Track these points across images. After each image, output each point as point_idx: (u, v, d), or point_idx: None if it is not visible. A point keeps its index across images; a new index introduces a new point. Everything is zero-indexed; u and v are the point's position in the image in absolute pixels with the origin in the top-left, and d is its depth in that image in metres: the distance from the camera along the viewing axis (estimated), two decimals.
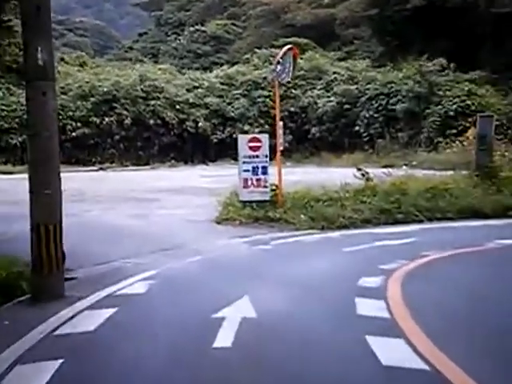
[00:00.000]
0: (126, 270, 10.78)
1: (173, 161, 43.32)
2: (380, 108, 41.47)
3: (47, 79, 8.53)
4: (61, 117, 41.99)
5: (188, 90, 45.76)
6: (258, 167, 17.06)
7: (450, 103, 38.17)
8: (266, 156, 17.18)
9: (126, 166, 41.78)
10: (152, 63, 53.93)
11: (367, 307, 7.58)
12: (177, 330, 6.82)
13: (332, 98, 43.42)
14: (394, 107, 40.88)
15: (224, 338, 6.28)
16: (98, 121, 42.58)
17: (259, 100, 45.11)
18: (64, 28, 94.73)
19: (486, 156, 22.45)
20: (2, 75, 41.60)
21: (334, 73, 45.63)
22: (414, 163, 34.50)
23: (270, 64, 47.34)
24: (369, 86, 42.59)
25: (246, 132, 43.88)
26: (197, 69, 55.07)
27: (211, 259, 12.06)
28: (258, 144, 17.10)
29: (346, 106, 43.02)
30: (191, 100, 44.89)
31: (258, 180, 17.08)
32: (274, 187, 17.51)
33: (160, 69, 48.76)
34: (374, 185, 20.47)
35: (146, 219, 17.64)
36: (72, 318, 7.33)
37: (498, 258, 12.61)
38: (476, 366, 5.76)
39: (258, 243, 14.22)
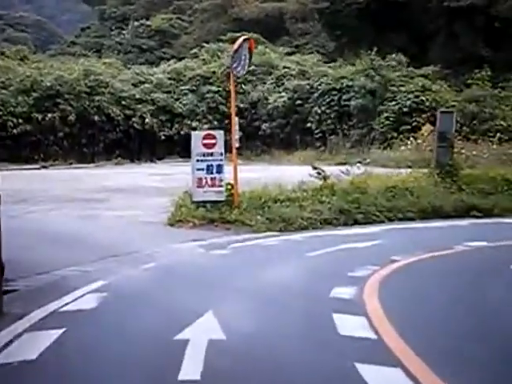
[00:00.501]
0: (74, 279, 9.84)
1: (119, 158, 42.11)
2: (332, 104, 40.95)
3: None
4: (1, 113, 40.52)
5: (134, 85, 44.57)
6: (212, 165, 16.23)
7: (405, 99, 37.84)
8: (222, 154, 16.38)
9: (70, 163, 40.42)
10: (96, 58, 52.47)
11: (348, 325, 6.83)
12: (134, 359, 5.94)
13: (283, 94, 42.76)
14: (347, 103, 40.43)
15: (191, 368, 5.43)
16: (40, 117, 41.13)
17: (208, 96, 44.18)
18: (4, 23, 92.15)
19: (446, 153, 22.04)
20: None
21: (285, 67, 44.96)
22: (368, 161, 33.89)
23: (219, 58, 46.62)
24: (321, 81, 42.01)
25: (194, 129, 42.98)
26: (142, 64, 53.81)
27: (166, 266, 11.19)
28: (213, 141, 16.27)
29: (298, 102, 42.40)
30: (137, 96, 43.73)
31: (212, 179, 16.25)
32: (229, 187, 16.70)
33: (105, 63, 47.44)
34: (331, 184, 19.85)
35: (93, 221, 16.65)
36: (11, 342, 6.38)
37: (471, 263, 12.04)
38: None
39: (214, 247, 13.41)
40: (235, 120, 17.03)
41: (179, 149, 43.35)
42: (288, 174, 26.84)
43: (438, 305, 8.31)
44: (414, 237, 15.83)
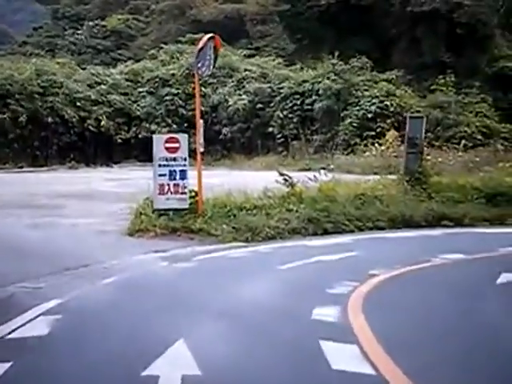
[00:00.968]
0: (23, 298, 8.88)
1: (73, 162, 40.86)
2: (295, 108, 40.30)
3: None
4: None
5: (90, 86, 43.37)
6: (175, 171, 15.36)
7: (368, 104, 37.35)
8: (185, 159, 15.52)
9: (21, 167, 39.08)
10: (49, 57, 51.05)
11: (340, 357, 6.06)
12: None
13: (244, 97, 41.98)
14: (309, 107, 39.80)
15: None
16: None
17: (167, 98, 43.17)
18: None
19: (415, 160, 21.48)
20: None
21: (246, 70, 44.18)
22: (332, 167, 33.46)
23: (178, 60, 45.67)
24: (283, 84, 41.35)
25: (153, 132, 41.95)
26: (97, 65, 52.57)
27: (128, 282, 10.29)
28: (176, 145, 15.41)
29: (259, 106, 41.67)
30: (93, 97, 42.55)
31: (175, 185, 15.38)
32: (193, 194, 15.83)
33: (58, 63, 46.09)
34: (299, 191, 19.12)
35: (46, 230, 15.61)
36: None
37: (454, 277, 11.37)
38: None
39: (178, 259, 12.54)
40: (200, 123, 16.17)
41: (137, 153, 42.39)
42: (251, 179, 26.08)
43: (431, 327, 7.60)
44: (387, 248, 15.12)
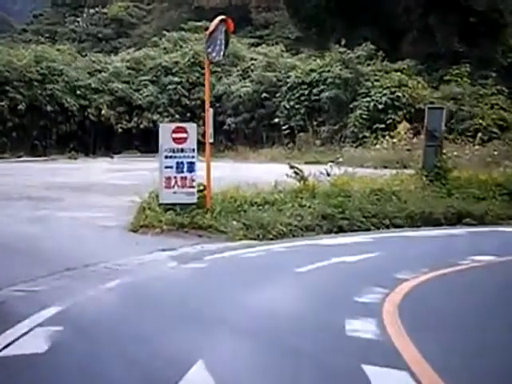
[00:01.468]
0: (18, 305, 8.03)
1: (73, 152, 39.90)
2: (302, 98, 39.28)
3: None
4: None
5: (90, 74, 42.37)
6: (183, 163, 14.48)
7: (379, 95, 36.33)
8: (194, 150, 14.64)
9: (20, 157, 38.14)
10: (49, 44, 50.02)
11: None
12: None
13: (249, 86, 40.97)
14: (317, 97, 38.79)
15: None
16: None
17: (170, 87, 42.14)
18: None
19: (434, 154, 20.64)
20: None
21: (252, 59, 43.19)
22: (341, 160, 32.58)
23: (181, 47, 44.68)
24: (290, 74, 40.32)
25: (154, 122, 41.12)
26: (98, 53, 51.58)
27: (134, 286, 9.42)
28: (184, 135, 14.52)
29: (265, 95, 40.66)
30: (94, 85, 41.56)
31: (183, 178, 14.50)
32: (201, 187, 14.94)
33: (58, 50, 45.08)
34: (312, 185, 18.26)
35: (43, 225, 14.73)
36: None
37: (494, 282, 10.47)
38: None
39: (187, 259, 11.69)
40: (210, 112, 15.27)
41: (138, 143, 41.50)
42: (256, 172, 25.35)
43: (489, 346, 6.67)
44: (410, 248, 14.25)
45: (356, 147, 34.80)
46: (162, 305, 8.11)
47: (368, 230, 16.85)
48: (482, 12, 42.15)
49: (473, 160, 26.68)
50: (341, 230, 16.52)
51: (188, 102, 41.90)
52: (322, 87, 38.84)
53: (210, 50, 15.37)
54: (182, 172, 14.44)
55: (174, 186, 14.44)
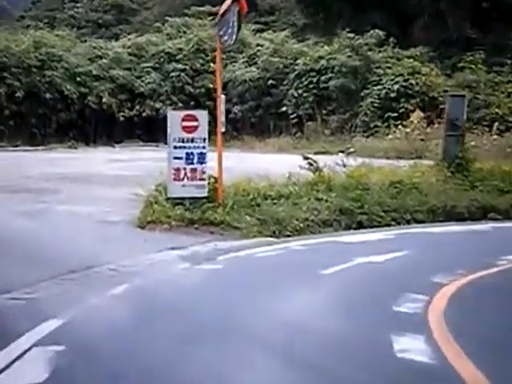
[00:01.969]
0: (11, 316, 7.12)
1: (73, 141, 38.94)
2: (310, 86, 38.27)
3: None
4: None
5: (90, 60, 41.38)
6: (193, 154, 13.55)
7: (391, 82, 35.32)
8: (205, 139, 13.71)
9: (17, 146, 37.21)
10: (48, 29, 48.96)
11: None
12: None
13: (255, 73, 39.95)
14: (325, 85, 37.80)
15: None
16: None
17: (173, 74, 41.12)
18: None
19: (456, 144, 19.71)
20: None
21: (258, 45, 42.17)
22: (352, 150, 31.73)
23: (185, 33, 43.68)
24: (298, 61, 39.30)
25: (157, 110, 40.24)
26: (98, 39, 50.56)
27: (143, 292, 8.49)
28: (194, 123, 13.59)
29: (271, 82, 39.65)
30: (94, 72, 40.58)
31: (192, 170, 13.56)
32: (212, 180, 14.01)
33: (57, 35, 44.05)
34: (328, 177, 17.34)
35: (41, 220, 13.80)
36: None
37: None
38: None
39: (200, 259, 10.78)
40: (222, 98, 14.31)
41: (140, 132, 40.58)
42: (264, 163, 24.51)
43: None
44: (438, 247, 13.27)
45: (367, 137, 33.87)
46: (176, 316, 7.18)
47: (388, 225, 15.94)
48: None
49: (492, 150, 25.77)
50: (360, 225, 15.61)
51: (192, 90, 40.93)
52: (331, 75, 37.86)
53: (221, 33, 14.39)
54: (192, 163, 13.51)
55: (183, 179, 13.50)
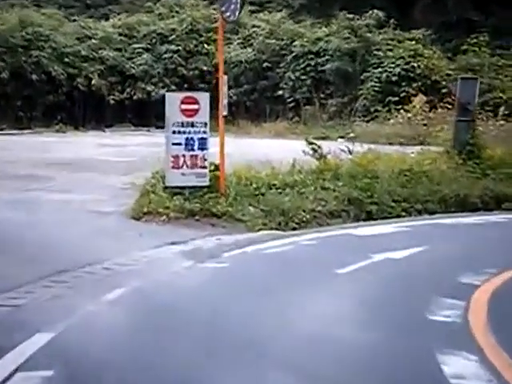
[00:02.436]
0: None
1: (60, 125, 37.78)
2: (308, 69, 37.19)
3: None
4: None
5: (79, 40, 40.16)
6: (193, 139, 12.62)
7: (393, 65, 34.29)
8: (206, 124, 12.79)
9: (2, 129, 36.12)
10: (35, 8, 47.60)
11: None
12: None
13: (250, 55, 38.86)
14: (324, 68, 36.78)
15: None
16: None
17: (166, 56, 39.92)
18: None
19: (467, 129, 18.83)
20: None
21: (254, 26, 41.03)
22: (352, 135, 30.78)
23: (178, 13, 42.56)
24: (295, 43, 38.21)
25: (149, 93, 39.18)
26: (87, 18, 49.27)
27: (142, 297, 7.59)
28: (195, 106, 12.68)
29: (267, 65, 38.57)
30: (83, 52, 39.33)
31: (193, 157, 12.63)
32: (213, 168, 13.09)
33: (44, 14, 42.75)
34: (335, 165, 16.47)
35: (28, 210, 12.85)
36: None
37: None
38: None
39: (203, 256, 9.88)
40: (224, 78, 13.39)
41: (131, 115, 39.48)
42: (261, 149, 23.55)
43: None
44: (457, 241, 12.37)
45: (367, 122, 32.92)
46: (181, 326, 6.31)
47: (399, 216, 15.10)
48: None
49: (500, 136, 24.88)
50: (369, 216, 14.76)
51: (185, 72, 39.79)
52: (329, 57, 36.84)
53: (224, 8, 13.44)
54: (193, 150, 12.58)
55: (182, 166, 12.57)
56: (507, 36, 37.65)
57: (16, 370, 4.98)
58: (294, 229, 13.02)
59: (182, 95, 13.06)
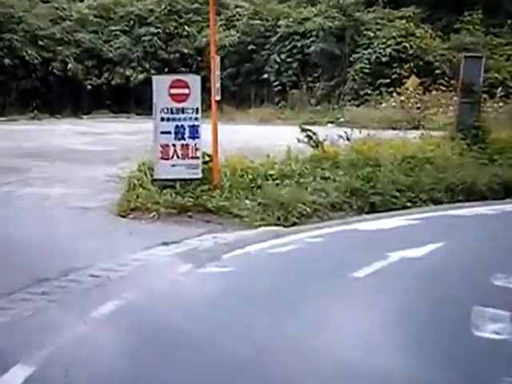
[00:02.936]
0: None
1: (35, 112, 36.61)
2: (294, 51, 36.13)
3: None
4: None
5: (53, 22, 38.87)
6: (184, 127, 11.64)
7: (383, 46, 33.29)
8: (197, 110, 11.79)
9: None
10: None
11: None
12: None
13: (234, 37, 37.75)
14: (310, 50, 35.72)
15: None
16: None
17: (145, 39, 38.61)
18: None
19: (471, 112, 18.00)
20: None
21: (237, 7, 39.88)
22: (342, 120, 29.99)
23: None
24: (280, 22, 37.10)
25: (128, 78, 38.03)
26: None
27: (137, 312, 6.63)
28: (185, 91, 11.69)
29: (252, 47, 37.47)
30: (58, 35, 38.01)
31: (184, 147, 11.66)
32: (206, 158, 12.13)
33: None
34: (334, 152, 15.59)
35: (3, 206, 11.84)
36: None
37: None
38: None
39: (202, 259, 8.95)
40: (217, 60, 12.43)
41: (110, 102, 38.28)
42: (250, 136, 22.74)
43: None
44: (478, 235, 11.48)
45: (357, 106, 32.00)
46: (189, 353, 5.35)
47: (404, 207, 14.21)
48: None
49: (499, 118, 24.10)
50: (373, 207, 13.88)
51: (166, 56, 38.59)
52: (315, 38, 35.77)
53: None
54: (183, 138, 11.61)
55: (172, 157, 11.60)
56: (500, 13, 36.87)
57: None
58: (295, 223, 12.11)
59: (170, 78, 12.03)
